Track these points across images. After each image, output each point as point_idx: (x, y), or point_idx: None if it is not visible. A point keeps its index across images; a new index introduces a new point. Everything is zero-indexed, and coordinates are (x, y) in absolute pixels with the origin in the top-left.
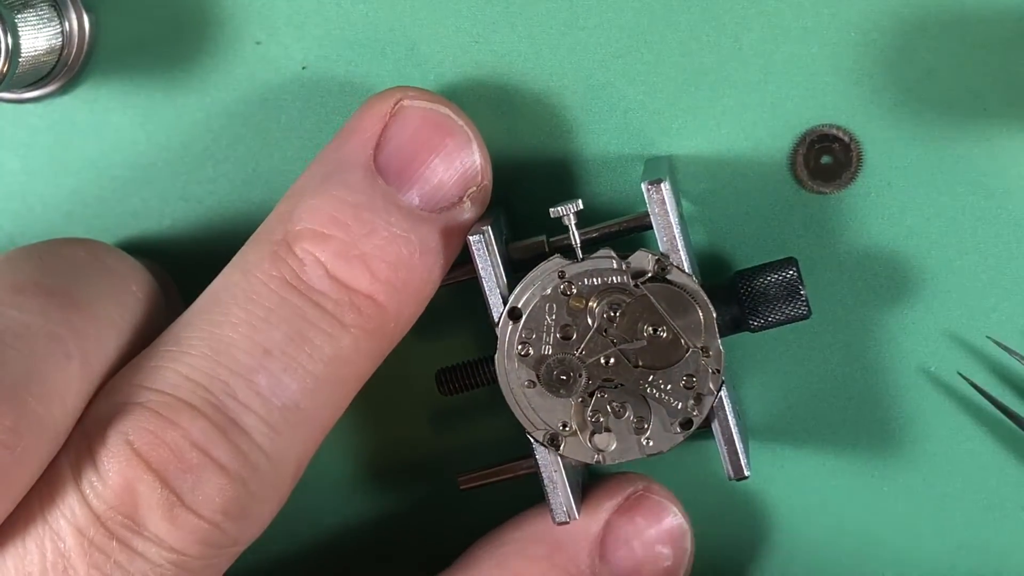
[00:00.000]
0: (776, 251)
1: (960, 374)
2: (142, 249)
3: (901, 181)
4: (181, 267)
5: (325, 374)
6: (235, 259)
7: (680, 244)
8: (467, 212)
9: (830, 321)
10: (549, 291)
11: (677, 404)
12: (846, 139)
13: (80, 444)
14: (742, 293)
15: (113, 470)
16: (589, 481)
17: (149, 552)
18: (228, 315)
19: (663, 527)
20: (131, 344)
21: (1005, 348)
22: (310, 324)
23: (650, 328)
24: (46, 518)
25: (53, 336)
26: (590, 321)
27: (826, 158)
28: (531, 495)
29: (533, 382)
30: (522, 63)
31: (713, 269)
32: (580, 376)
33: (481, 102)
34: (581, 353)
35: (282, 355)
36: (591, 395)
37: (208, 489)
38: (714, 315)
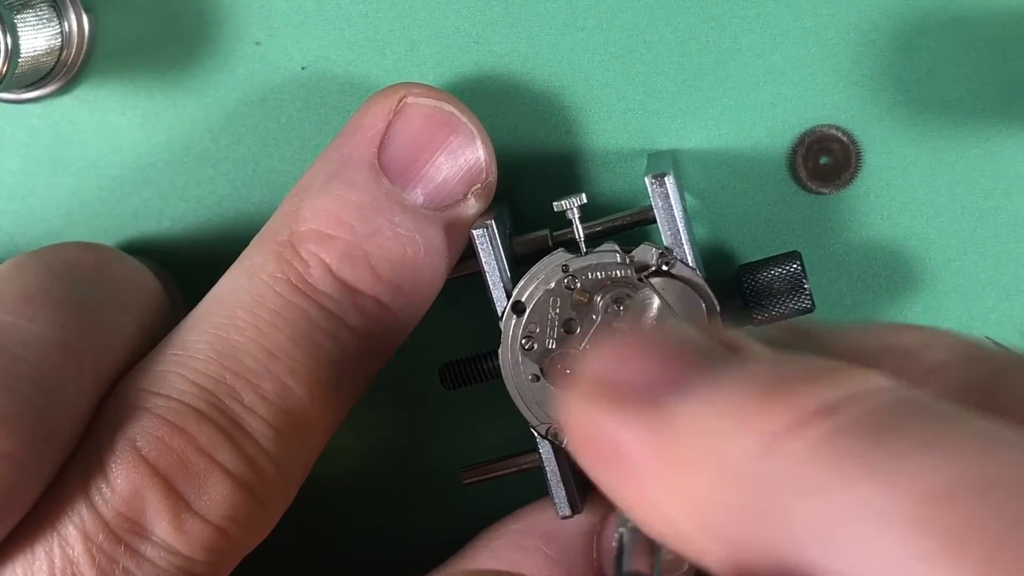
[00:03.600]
0: (776, 251)
1: None
2: (142, 250)
3: (900, 181)
4: (181, 267)
5: (331, 377)
6: (240, 260)
7: (684, 238)
8: (471, 209)
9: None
10: (553, 285)
11: None
12: (845, 139)
13: (88, 450)
14: (746, 287)
15: (121, 476)
16: None
17: (156, 557)
18: (233, 318)
19: None
20: (138, 348)
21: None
22: (315, 326)
23: (654, 322)
24: (54, 524)
25: (64, 346)
26: (594, 315)
27: (825, 158)
28: (536, 489)
29: (537, 376)
30: (522, 63)
31: (715, 264)
32: None
33: (481, 102)
34: (585, 347)
35: (288, 358)
36: None
37: (214, 494)
38: (718, 309)
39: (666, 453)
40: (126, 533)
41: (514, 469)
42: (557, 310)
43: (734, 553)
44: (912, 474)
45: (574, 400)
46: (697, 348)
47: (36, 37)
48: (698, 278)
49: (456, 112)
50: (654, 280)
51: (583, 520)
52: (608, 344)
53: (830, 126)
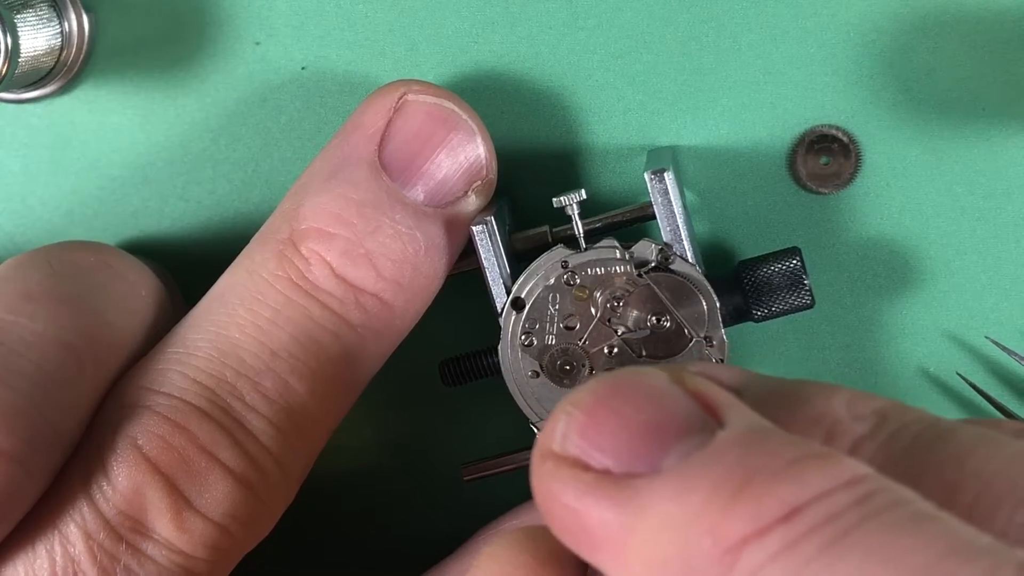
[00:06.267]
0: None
1: (959, 374)
2: (142, 249)
3: (900, 181)
4: (181, 267)
5: (332, 375)
6: (240, 258)
7: (684, 234)
8: (472, 206)
9: (829, 321)
10: (552, 281)
11: None
12: (845, 139)
13: (89, 449)
14: (746, 283)
15: (122, 475)
16: None
17: (157, 555)
18: (234, 316)
19: None
20: (139, 347)
21: (1004, 348)
22: (316, 324)
23: (653, 318)
24: (56, 522)
25: (65, 345)
26: (593, 311)
27: (825, 158)
28: None
29: (537, 372)
30: (522, 63)
31: (715, 260)
32: (584, 366)
33: (481, 100)
34: (584, 343)
35: (289, 356)
36: None
37: (216, 493)
38: (717, 304)
39: (631, 540)
40: (127, 531)
41: (514, 466)
42: (557, 306)
43: None
44: None
45: (544, 476)
46: (676, 415)
47: (36, 37)
48: (698, 274)
49: (456, 109)
50: (653, 276)
51: None
52: (579, 410)
53: (830, 126)
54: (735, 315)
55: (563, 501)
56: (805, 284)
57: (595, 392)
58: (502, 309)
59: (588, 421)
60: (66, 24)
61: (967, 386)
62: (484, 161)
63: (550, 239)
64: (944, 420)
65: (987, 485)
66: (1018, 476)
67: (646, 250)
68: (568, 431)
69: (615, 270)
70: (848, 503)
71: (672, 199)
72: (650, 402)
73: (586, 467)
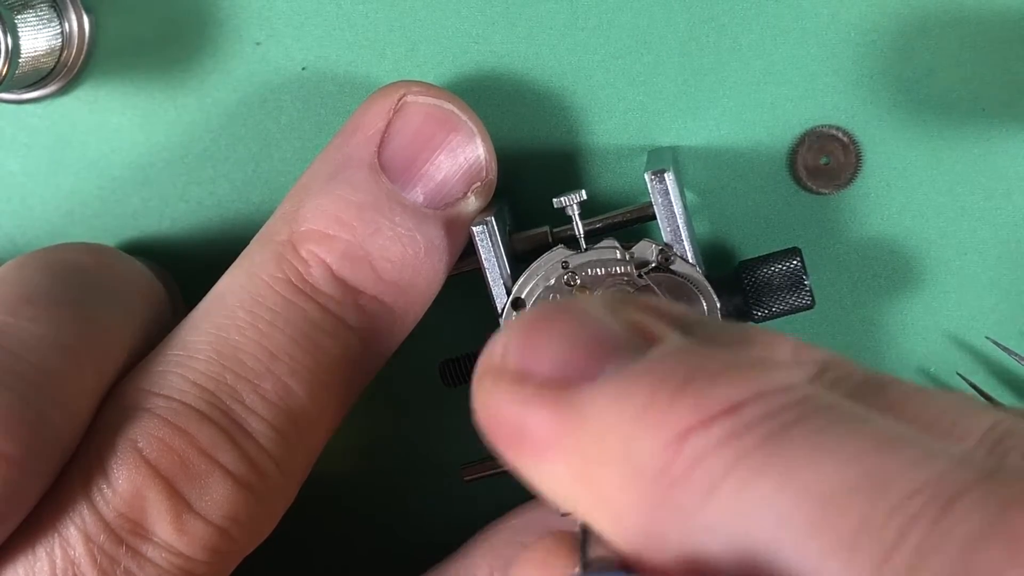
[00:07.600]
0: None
1: (959, 374)
2: (142, 250)
3: (900, 181)
4: (181, 268)
5: (332, 377)
6: (240, 260)
7: (684, 234)
8: (472, 207)
9: (829, 322)
10: (553, 281)
11: None
12: (845, 139)
13: (89, 451)
14: (746, 283)
15: (122, 477)
16: None
17: (158, 558)
18: (234, 318)
19: None
20: (139, 349)
21: (1004, 349)
22: (316, 327)
23: None
24: (56, 525)
25: (64, 347)
26: None
27: (825, 158)
28: None
29: None
30: (522, 63)
31: (715, 260)
32: None
33: (481, 101)
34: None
35: (288, 359)
36: None
37: (215, 495)
38: (718, 305)
39: (574, 442)
40: (127, 534)
41: None
42: None
43: (642, 542)
44: (808, 476)
45: (484, 391)
46: (610, 338)
47: (36, 37)
48: (698, 274)
49: (456, 110)
50: (653, 276)
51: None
52: (518, 328)
53: (830, 126)
54: (735, 315)
55: (504, 411)
56: (805, 284)
57: (535, 311)
58: (502, 309)
59: (527, 333)
60: (66, 24)
61: (967, 386)
62: (484, 162)
63: (550, 239)
64: (884, 374)
65: (926, 429)
66: (957, 418)
67: (646, 250)
68: (508, 344)
69: (615, 271)
70: (786, 403)
71: (672, 199)
72: (587, 321)
73: (526, 378)
